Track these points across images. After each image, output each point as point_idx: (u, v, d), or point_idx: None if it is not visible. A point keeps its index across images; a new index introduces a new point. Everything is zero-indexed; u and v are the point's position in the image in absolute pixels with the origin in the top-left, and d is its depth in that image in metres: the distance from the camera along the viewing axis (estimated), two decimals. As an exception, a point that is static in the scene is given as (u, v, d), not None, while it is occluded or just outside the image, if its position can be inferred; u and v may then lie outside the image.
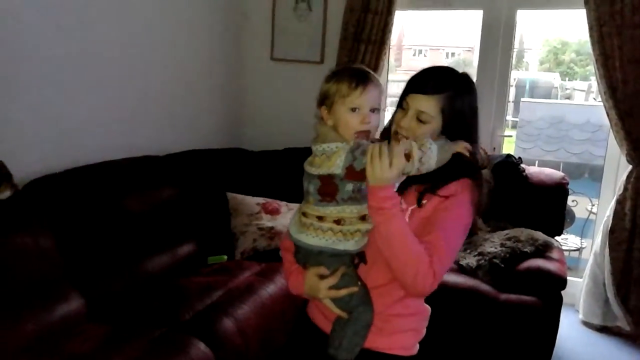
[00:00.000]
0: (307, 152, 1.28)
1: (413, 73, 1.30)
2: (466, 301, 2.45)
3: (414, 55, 16.33)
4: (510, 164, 2.93)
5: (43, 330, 1.82)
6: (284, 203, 2.95)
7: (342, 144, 1.17)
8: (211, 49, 3.41)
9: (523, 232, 2.70)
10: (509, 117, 3.55)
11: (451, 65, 1.28)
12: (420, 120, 1.22)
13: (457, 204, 1.22)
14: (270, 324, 2.27)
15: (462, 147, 1.22)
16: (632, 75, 2.67)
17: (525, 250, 2.57)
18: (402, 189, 1.27)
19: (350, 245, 1.21)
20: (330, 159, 1.16)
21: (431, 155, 1.15)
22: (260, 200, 2.92)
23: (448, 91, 1.21)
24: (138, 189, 2.53)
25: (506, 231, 2.75)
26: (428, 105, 1.21)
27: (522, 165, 2.97)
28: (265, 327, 2.22)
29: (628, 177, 2.82)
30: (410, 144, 1.14)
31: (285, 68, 3.63)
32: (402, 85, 1.29)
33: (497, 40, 3.24)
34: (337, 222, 1.20)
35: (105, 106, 2.61)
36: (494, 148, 3.33)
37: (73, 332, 1.89)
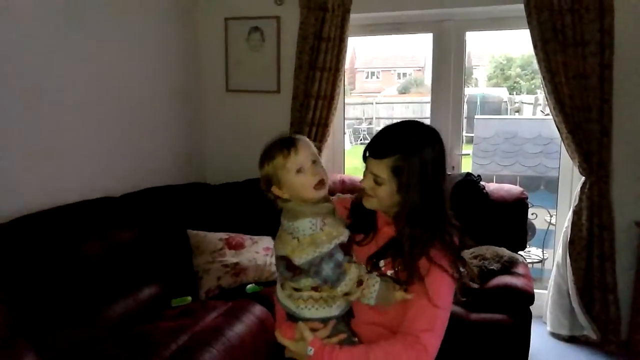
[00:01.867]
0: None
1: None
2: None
3: (367, 77, 16.68)
4: (471, 182, 2.97)
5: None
6: (248, 237, 2.88)
7: (314, 227, 1.19)
8: (166, 84, 3.34)
9: (488, 250, 2.73)
10: (463, 134, 3.63)
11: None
12: (376, 182, 1.24)
13: (434, 279, 1.21)
14: (241, 366, 2.18)
15: (402, 298, 1.22)
16: (577, 90, 2.78)
17: (491, 267, 2.60)
18: (381, 256, 1.28)
19: (333, 310, 1.25)
20: (297, 250, 1.19)
21: (371, 300, 1.21)
22: (223, 235, 2.85)
23: (396, 154, 1.21)
24: (94, 233, 2.41)
25: (471, 249, 2.77)
26: (379, 168, 1.23)
27: (482, 183, 3.02)
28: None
29: (582, 188, 2.91)
30: (352, 288, 1.19)
31: (241, 99, 3.61)
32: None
33: (449, 61, 3.33)
34: (315, 288, 1.23)
35: (53, 146, 2.49)
36: (453, 167, 3.38)
37: (27, 396, 1.75)
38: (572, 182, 3.14)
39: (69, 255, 2.25)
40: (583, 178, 2.90)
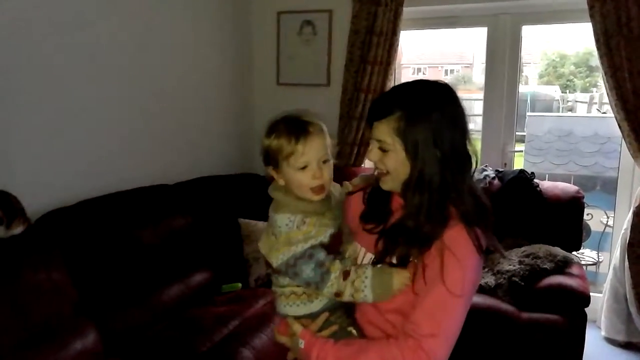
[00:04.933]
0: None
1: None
2: (487, 321, 2.39)
3: (413, 73, 16.45)
4: (524, 180, 2.90)
5: (60, 367, 1.77)
6: (296, 227, 2.91)
7: (290, 224, 1.08)
8: (219, 76, 3.43)
9: (541, 248, 2.65)
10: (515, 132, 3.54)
11: (449, 82, 1.10)
12: (383, 150, 1.08)
13: (450, 263, 1.01)
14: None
15: (402, 280, 1.05)
16: (642, 86, 2.66)
17: (544, 266, 2.53)
18: (389, 240, 1.11)
19: (314, 306, 1.13)
20: (273, 249, 1.09)
21: (366, 291, 1.06)
22: (273, 225, 2.89)
23: (401, 109, 1.04)
24: (150, 219, 2.51)
25: (523, 248, 2.70)
26: (381, 131, 1.06)
27: (536, 180, 2.94)
28: (284, 357, 2.16)
29: (644, 188, 2.78)
30: (340, 285, 1.06)
31: (292, 92, 3.64)
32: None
33: (503, 56, 3.25)
34: (298, 286, 1.13)
35: (114, 136, 2.61)
36: (505, 164, 3.31)
37: (90, 369, 1.85)
38: (632, 182, 3.01)
39: (126, 238, 2.35)
40: (645, 178, 2.78)
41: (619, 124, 2.80)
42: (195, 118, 3.20)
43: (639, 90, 2.67)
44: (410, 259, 1.06)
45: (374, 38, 3.19)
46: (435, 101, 1.06)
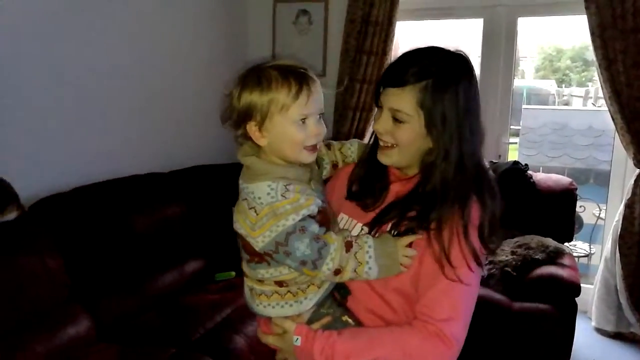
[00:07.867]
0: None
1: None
2: (478, 311, 2.40)
3: (410, 66, 16.47)
4: (518, 171, 2.91)
5: (53, 351, 1.78)
6: (290, 217, 2.92)
7: (273, 193, 0.92)
8: (214, 65, 3.41)
9: (533, 239, 2.68)
10: (509, 125, 3.55)
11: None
12: (396, 120, 0.98)
13: (460, 246, 0.95)
14: (282, 340, 2.23)
15: (407, 252, 0.95)
16: (636, 78, 2.67)
17: (536, 257, 2.55)
18: (387, 217, 1.01)
19: (303, 306, 0.99)
20: (255, 228, 0.92)
21: (370, 262, 0.94)
22: (267, 214, 2.89)
23: (427, 79, 0.94)
24: (144, 207, 2.50)
25: (516, 238, 2.72)
26: (401, 100, 0.96)
27: (529, 172, 2.95)
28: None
29: (636, 180, 2.80)
30: (342, 258, 0.92)
31: (287, 81, 3.63)
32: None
33: (499, 49, 3.25)
34: (279, 284, 0.98)
35: (108, 123, 2.60)
36: (500, 155, 3.32)
37: (83, 353, 1.85)
38: (625, 174, 3.03)
39: (120, 225, 2.34)
40: (638, 170, 2.79)
41: (612, 117, 2.81)
42: (190, 107, 3.19)
43: (632, 82, 2.68)
44: (417, 233, 0.96)
45: (369, 28, 3.19)
46: (461, 71, 0.98)
